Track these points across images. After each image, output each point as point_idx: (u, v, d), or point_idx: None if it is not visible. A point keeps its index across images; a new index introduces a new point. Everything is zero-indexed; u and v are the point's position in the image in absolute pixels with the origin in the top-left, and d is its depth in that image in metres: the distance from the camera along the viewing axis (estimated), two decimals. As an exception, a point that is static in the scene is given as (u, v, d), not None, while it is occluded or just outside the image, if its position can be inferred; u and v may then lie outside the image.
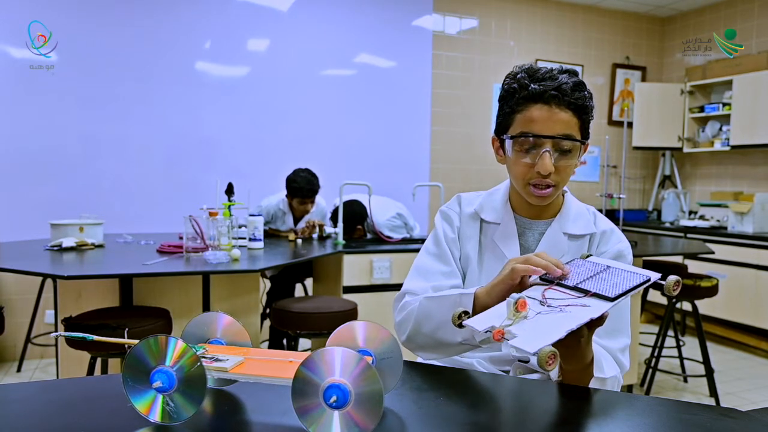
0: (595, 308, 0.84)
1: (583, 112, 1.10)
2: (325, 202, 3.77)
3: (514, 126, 1.11)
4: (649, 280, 0.89)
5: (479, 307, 1.02)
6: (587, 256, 1.01)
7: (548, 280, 0.93)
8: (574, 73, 1.11)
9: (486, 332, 0.82)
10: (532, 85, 1.08)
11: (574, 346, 0.94)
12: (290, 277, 3.69)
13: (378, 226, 3.37)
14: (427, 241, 1.27)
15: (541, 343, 0.76)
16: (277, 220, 3.63)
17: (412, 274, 1.24)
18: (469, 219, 1.25)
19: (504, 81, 1.15)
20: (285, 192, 3.51)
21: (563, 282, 0.91)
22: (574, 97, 1.08)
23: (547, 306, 0.86)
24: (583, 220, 1.22)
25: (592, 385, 1.02)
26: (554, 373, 1.06)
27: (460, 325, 0.87)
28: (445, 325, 1.05)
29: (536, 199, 1.14)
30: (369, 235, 3.50)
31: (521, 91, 1.09)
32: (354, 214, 3.38)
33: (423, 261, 1.24)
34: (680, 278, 0.86)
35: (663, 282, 0.88)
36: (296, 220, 3.63)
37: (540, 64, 1.15)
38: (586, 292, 0.87)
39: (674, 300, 3.43)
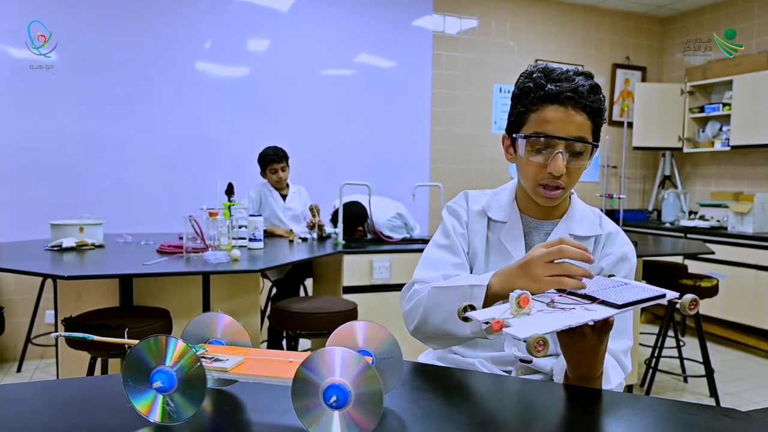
0: (599, 312, 0.84)
1: (597, 115, 1.10)
2: (305, 190, 3.89)
3: (528, 125, 1.11)
4: (663, 296, 0.87)
5: (492, 298, 1.00)
6: (610, 276, 1.00)
7: (559, 289, 0.93)
8: (590, 76, 1.11)
9: (485, 323, 0.82)
10: (548, 85, 1.08)
11: (578, 349, 0.93)
12: (295, 279, 3.69)
13: (378, 227, 3.37)
14: (435, 234, 1.27)
15: (533, 332, 0.76)
16: (268, 198, 3.72)
17: (421, 264, 1.23)
18: (477, 216, 1.24)
19: (518, 80, 1.14)
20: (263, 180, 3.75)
21: (575, 291, 0.91)
22: (589, 100, 1.07)
23: (552, 307, 0.86)
24: (589, 221, 1.22)
25: None
26: (558, 377, 1.06)
27: (465, 319, 0.87)
28: (453, 316, 1.02)
29: (545, 200, 1.13)
30: (369, 235, 3.50)
31: (537, 91, 1.09)
32: (354, 215, 3.38)
33: (432, 252, 1.23)
34: (697, 297, 0.83)
35: (679, 300, 0.85)
36: (284, 197, 3.76)
37: (548, 64, 1.15)
38: (594, 300, 0.87)
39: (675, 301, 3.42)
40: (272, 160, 3.61)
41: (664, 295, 0.87)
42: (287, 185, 3.78)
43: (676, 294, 0.86)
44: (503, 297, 0.99)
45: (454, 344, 1.15)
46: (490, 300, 1.00)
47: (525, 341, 0.75)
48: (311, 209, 3.45)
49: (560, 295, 0.91)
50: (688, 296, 0.83)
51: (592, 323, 0.84)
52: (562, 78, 1.08)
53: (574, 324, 0.81)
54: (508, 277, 0.99)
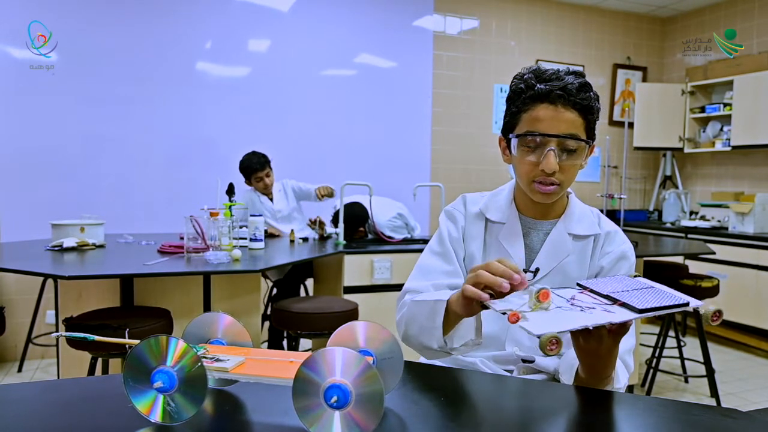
0: (618, 315, 0.82)
1: (588, 112, 1.11)
2: (289, 182, 3.86)
3: (520, 125, 1.13)
4: (686, 304, 0.83)
5: (451, 314, 1.01)
6: (635, 276, 0.97)
7: (582, 286, 0.92)
8: (581, 75, 1.12)
9: (503, 313, 0.82)
10: (538, 85, 1.09)
11: (593, 351, 0.92)
12: (295, 279, 3.70)
13: (379, 227, 3.37)
14: (431, 240, 1.28)
15: (548, 330, 0.75)
16: (257, 204, 3.71)
17: (414, 272, 1.24)
18: (474, 218, 1.25)
19: (512, 82, 1.16)
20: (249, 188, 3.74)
21: (596, 289, 0.90)
22: (579, 98, 1.09)
23: (572, 305, 0.86)
24: (588, 220, 1.23)
25: None
26: (566, 376, 1.06)
27: (484, 306, 0.88)
28: (423, 329, 1.07)
29: (540, 196, 1.14)
30: (370, 236, 3.50)
31: (528, 91, 1.11)
32: (355, 216, 3.37)
33: (426, 260, 1.25)
34: (722, 310, 0.80)
35: (702, 312, 0.83)
36: (271, 200, 3.76)
37: (541, 65, 1.16)
38: (615, 301, 0.86)
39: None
40: (256, 169, 3.59)
41: (687, 304, 0.83)
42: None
43: (701, 303, 0.83)
44: (458, 313, 0.99)
45: (434, 356, 1.14)
46: (450, 315, 1.01)
47: (538, 338, 0.75)
48: (317, 193, 3.47)
49: (581, 292, 0.90)
50: (711, 308, 0.81)
51: (608, 326, 0.82)
52: (552, 77, 1.10)
53: (590, 325, 0.79)
54: (458, 292, 1.00)
